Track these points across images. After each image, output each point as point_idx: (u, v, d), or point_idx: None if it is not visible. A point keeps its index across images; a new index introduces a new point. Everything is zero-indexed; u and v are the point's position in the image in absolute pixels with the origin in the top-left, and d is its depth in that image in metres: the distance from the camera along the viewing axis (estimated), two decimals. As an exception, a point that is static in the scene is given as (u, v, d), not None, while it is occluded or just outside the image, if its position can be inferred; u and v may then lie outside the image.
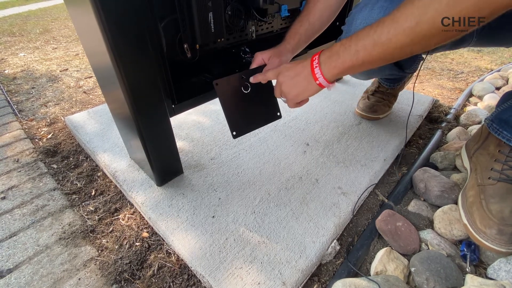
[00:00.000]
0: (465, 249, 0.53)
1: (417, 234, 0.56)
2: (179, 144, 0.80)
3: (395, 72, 0.68)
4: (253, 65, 0.65)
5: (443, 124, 0.94)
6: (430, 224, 0.60)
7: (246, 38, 0.83)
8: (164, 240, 0.58)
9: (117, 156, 0.74)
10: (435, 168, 0.75)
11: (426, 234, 0.56)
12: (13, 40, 2.44)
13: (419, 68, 0.67)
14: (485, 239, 0.50)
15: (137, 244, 0.58)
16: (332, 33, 0.97)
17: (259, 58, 0.64)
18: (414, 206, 0.63)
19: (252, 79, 0.61)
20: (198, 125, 0.88)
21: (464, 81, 1.33)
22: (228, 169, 0.69)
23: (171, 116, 0.59)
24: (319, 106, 0.99)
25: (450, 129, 0.91)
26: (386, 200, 0.65)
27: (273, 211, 0.59)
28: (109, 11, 0.40)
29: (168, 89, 0.56)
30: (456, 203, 0.61)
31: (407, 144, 0.85)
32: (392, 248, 0.54)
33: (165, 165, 0.63)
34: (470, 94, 1.17)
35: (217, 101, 1.05)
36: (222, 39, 0.72)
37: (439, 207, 0.61)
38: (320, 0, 0.65)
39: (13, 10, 4.53)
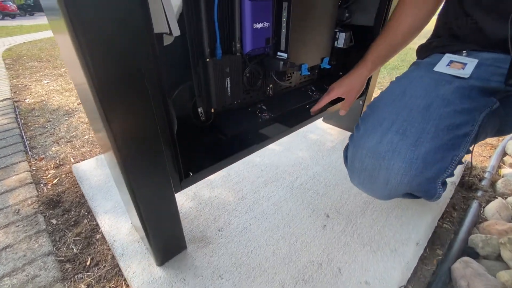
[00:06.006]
0: None
1: None
2: (185, 205, 0.74)
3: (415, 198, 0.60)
4: (325, 101, 0.76)
5: (479, 194, 0.83)
6: None
7: (263, 95, 0.78)
8: None
9: (118, 220, 0.68)
10: (476, 254, 0.65)
11: None
12: (39, 65, 2.56)
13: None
14: None
15: None
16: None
17: (334, 94, 0.75)
18: (457, 313, 0.53)
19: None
20: (208, 181, 0.82)
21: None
22: (236, 246, 0.62)
23: (177, 192, 0.53)
24: (338, 162, 0.91)
25: (488, 201, 0.81)
26: (422, 301, 0.55)
27: (287, 312, 0.50)
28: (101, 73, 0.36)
29: (175, 165, 0.50)
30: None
31: (440, 217, 0.75)
32: None
33: (166, 243, 0.56)
34: (504, 153, 1.07)
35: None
36: (239, 100, 0.68)
37: (489, 319, 0.51)
38: (403, 21, 0.62)
39: (45, 34, 4.85)
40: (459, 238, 0.68)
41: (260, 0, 0.61)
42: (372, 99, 0.55)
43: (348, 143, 0.53)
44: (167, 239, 0.56)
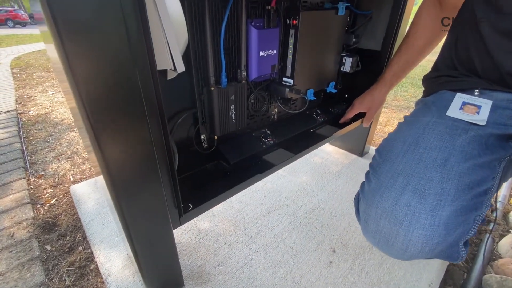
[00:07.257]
0: None
1: None
2: (183, 235, 0.70)
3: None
4: (349, 115, 0.83)
5: (491, 226, 0.79)
6: None
7: (267, 120, 0.77)
8: None
9: (114, 250, 0.65)
10: (493, 296, 0.61)
11: None
12: (46, 75, 2.58)
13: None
14: None
15: None
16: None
17: (357, 110, 0.83)
18: None
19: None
20: (209, 208, 0.79)
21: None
22: (237, 284, 0.58)
23: (175, 228, 0.50)
24: (344, 189, 0.88)
25: (501, 235, 0.77)
26: None
27: None
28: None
29: (174, 200, 0.48)
30: None
31: (453, 253, 0.71)
32: None
33: (162, 281, 0.53)
34: (517, 180, 1.03)
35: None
36: (243, 126, 0.66)
37: None
38: (419, 37, 0.66)
39: (54, 43, 4.91)
40: (472, 278, 0.63)
41: (267, 28, 0.59)
42: (381, 142, 0.51)
43: (358, 191, 0.50)
44: (163, 276, 0.53)
